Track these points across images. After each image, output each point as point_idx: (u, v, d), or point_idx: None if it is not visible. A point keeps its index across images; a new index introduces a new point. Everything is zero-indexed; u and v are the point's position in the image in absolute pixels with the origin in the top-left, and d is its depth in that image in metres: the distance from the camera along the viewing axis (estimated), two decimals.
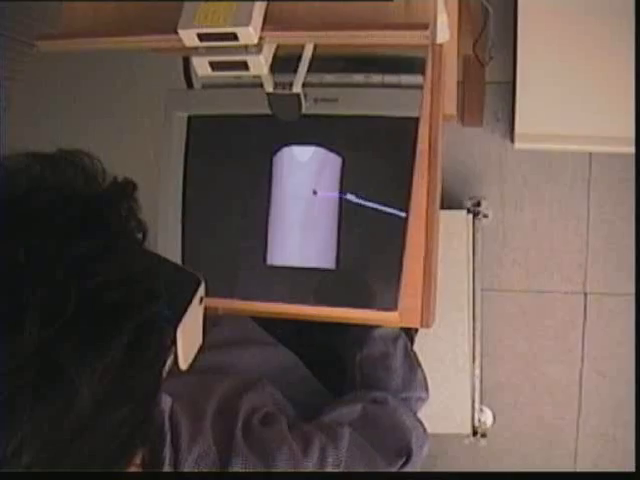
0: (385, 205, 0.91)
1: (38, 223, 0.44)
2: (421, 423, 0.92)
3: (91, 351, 0.43)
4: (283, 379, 0.91)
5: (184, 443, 0.69)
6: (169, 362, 0.55)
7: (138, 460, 0.54)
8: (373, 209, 0.92)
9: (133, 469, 0.53)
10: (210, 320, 0.94)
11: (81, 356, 0.42)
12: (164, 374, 0.53)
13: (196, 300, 0.57)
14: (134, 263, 0.48)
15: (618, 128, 1.44)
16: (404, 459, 0.84)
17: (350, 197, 0.94)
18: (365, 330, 0.98)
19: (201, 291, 0.58)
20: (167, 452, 0.68)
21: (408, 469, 0.84)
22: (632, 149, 1.43)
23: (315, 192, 0.96)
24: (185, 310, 0.55)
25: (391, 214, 0.90)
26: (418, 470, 0.87)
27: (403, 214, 0.88)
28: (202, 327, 0.61)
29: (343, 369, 1.00)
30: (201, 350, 0.87)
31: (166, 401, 0.72)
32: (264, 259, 0.97)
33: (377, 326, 0.98)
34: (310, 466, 0.73)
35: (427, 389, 1.00)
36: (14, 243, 0.43)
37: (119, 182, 0.51)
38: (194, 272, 0.58)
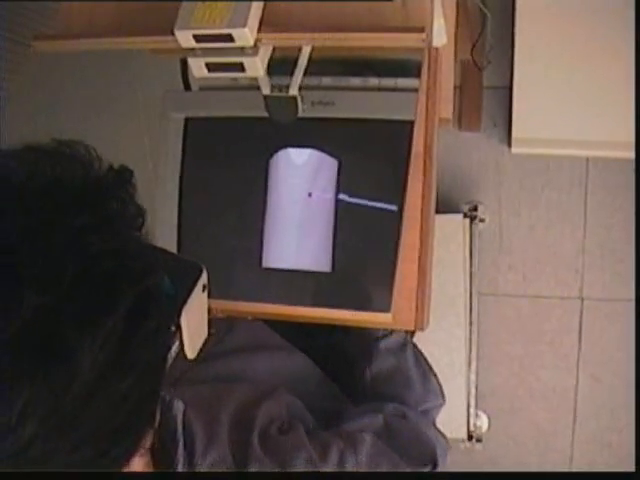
0: (380, 207, 0.91)
1: (36, 200, 0.45)
2: (442, 435, 0.90)
3: (91, 318, 0.43)
4: (299, 384, 0.91)
5: (199, 449, 0.69)
6: (174, 348, 0.55)
7: (148, 444, 0.54)
8: (368, 212, 0.92)
9: (143, 454, 0.54)
10: (224, 327, 0.95)
11: (81, 323, 0.42)
12: (170, 359, 0.54)
13: (199, 286, 0.57)
14: (132, 237, 0.49)
15: (615, 133, 1.44)
16: (430, 467, 0.83)
17: (346, 199, 0.94)
18: (370, 344, 0.97)
19: (204, 278, 0.58)
20: (180, 457, 0.68)
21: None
22: (629, 154, 1.43)
23: (311, 195, 0.96)
24: (188, 295, 0.56)
25: (386, 216, 0.90)
26: None
27: (398, 216, 0.88)
28: (208, 320, 0.62)
29: (351, 369, 1.00)
30: (216, 357, 0.87)
31: (178, 406, 0.72)
32: (260, 261, 0.97)
33: (381, 337, 0.96)
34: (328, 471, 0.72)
35: (443, 395, 0.98)
36: (12, 216, 0.43)
37: (115, 169, 0.51)
38: (196, 261, 0.59)
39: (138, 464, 0.54)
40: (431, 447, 0.85)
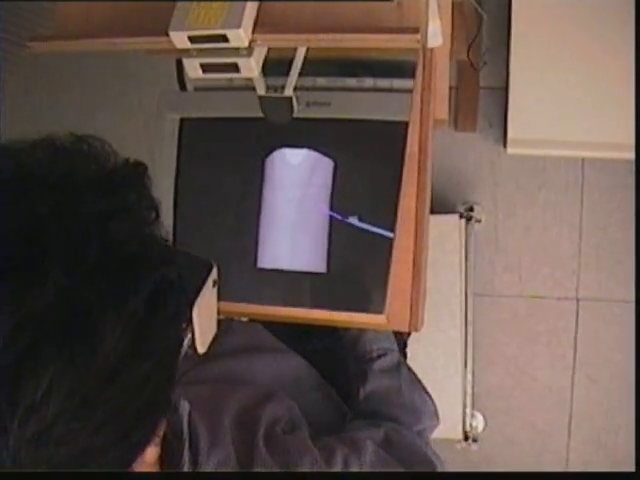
0: (374, 208, 0.91)
1: (56, 187, 0.46)
2: (438, 456, 0.90)
3: (114, 299, 0.44)
4: (297, 386, 0.91)
5: (203, 450, 0.69)
6: (187, 341, 0.56)
7: (162, 432, 0.55)
8: (362, 212, 0.92)
9: (157, 444, 0.55)
10: (222, 328, 0.94)
11: (105, 304, 0.44)
12: (182, 352, 0.54)
13: (210, 282, 0.59)
14: (149, 228, 0.51)
15: (611, 134, 1.45)
16: None
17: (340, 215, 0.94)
18: (364, 365, 0.97)
19: (214, 274, 0.60)
20: (186, 458, 0.68)
21: None
22: (625, 155, 1.43)
23: (306, 195, 0.96)
24: (199, 290, 0.57)
25: (380, 217, 0.90)
26: None
27: (392, 217, 0.88)
28: (217, 322, 0.63)
29: (346, 376, 1.00)
30: (214, 358, 0.88)
31: (184, 407, 0.72)
32: (255, 262, 0.97)
33: (375, 358, 0.96)
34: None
35: (437, 416, 0.97)
36: (33, 201, 0.45)
37: (131, 162, 0.53)
38: (205, 258, 0.60)
39: (151, 454, 0.55)
40: (430, 461, 0.85)
